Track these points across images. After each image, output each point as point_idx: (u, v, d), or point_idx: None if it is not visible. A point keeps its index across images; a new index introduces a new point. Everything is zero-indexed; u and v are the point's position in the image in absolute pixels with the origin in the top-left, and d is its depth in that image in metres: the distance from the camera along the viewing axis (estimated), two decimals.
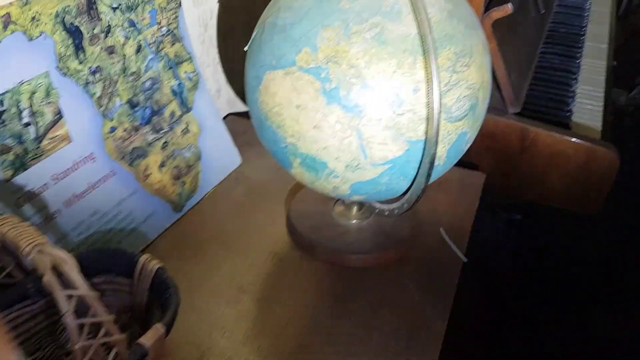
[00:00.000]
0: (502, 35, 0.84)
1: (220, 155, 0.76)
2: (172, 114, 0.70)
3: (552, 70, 1.09)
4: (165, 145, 0.68)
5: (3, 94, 0.50)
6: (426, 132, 0.51)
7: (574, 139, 0.83)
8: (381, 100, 0.49)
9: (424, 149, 0.52)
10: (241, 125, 0.85)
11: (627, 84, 1.73)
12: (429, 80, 0.49)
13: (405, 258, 0.65)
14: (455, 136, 0.54)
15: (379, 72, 0.49)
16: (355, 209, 0.68)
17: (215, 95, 0.89)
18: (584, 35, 1.25)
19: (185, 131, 0.72)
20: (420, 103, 0.50)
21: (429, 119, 0.50)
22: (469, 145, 0.57)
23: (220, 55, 0.88)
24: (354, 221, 0.68)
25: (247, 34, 0.94)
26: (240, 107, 0.97)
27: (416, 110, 0.50)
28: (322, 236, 0.66)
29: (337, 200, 0.70)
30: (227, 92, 0.92)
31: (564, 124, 0.90)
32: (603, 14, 1.39)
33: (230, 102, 0.94)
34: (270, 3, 0.58)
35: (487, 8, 0.83)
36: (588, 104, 1.00)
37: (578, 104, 0.99)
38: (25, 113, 0.52)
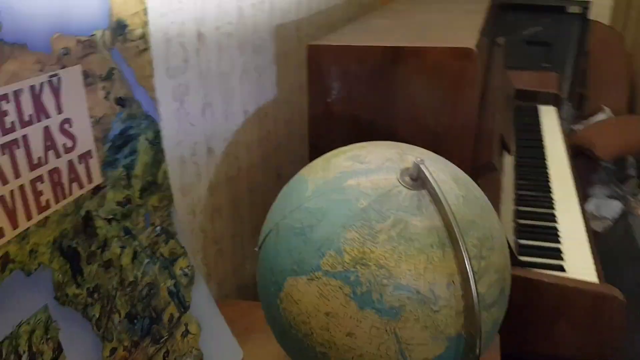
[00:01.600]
0: (492, 195, 0.86)
1: (221, 354, 0.70)
2: (171, 317, 0.65)
3: (531, 206, 1.11)
4: (166, 355, 0.62)
5: (2, 341, 0.44)
6: (466, 326, 0.48)
7: (573, 285, 0.82)
8: (416, 299, 0.47)
9: (465, 343, 0.48)
10: (234, 310, 0.80)
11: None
12: (462, 273, 0.48)
13: None
14: (490, 322, 0.51)
15: (410, 270, 0.47)
16: None
17: (206, 279, 0.85)
18: (546, 167, 1.31)
19: (185, 334, 0.66)
20: (455, 297, 0.48)
21: (466, 312, 0.48)
22: (499, 326, 0.55)
23: (210, 239, 0.85)
24: None
25: (233, 212, 0.92)
26: (229, 288, 0.92)
27: (452, 305, 0.48)
28: None
29: None
30: (217, 275, 0.88)
31: (558, 266, 0.90)
32: (556, 141, 1.48)
33: (220, 285, 0.89)
34: (278, 202, 0.56)
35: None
36: (573, 237, 1.01)
37: (565, 241, 1.00)
38: (24, 358, 0.46)
